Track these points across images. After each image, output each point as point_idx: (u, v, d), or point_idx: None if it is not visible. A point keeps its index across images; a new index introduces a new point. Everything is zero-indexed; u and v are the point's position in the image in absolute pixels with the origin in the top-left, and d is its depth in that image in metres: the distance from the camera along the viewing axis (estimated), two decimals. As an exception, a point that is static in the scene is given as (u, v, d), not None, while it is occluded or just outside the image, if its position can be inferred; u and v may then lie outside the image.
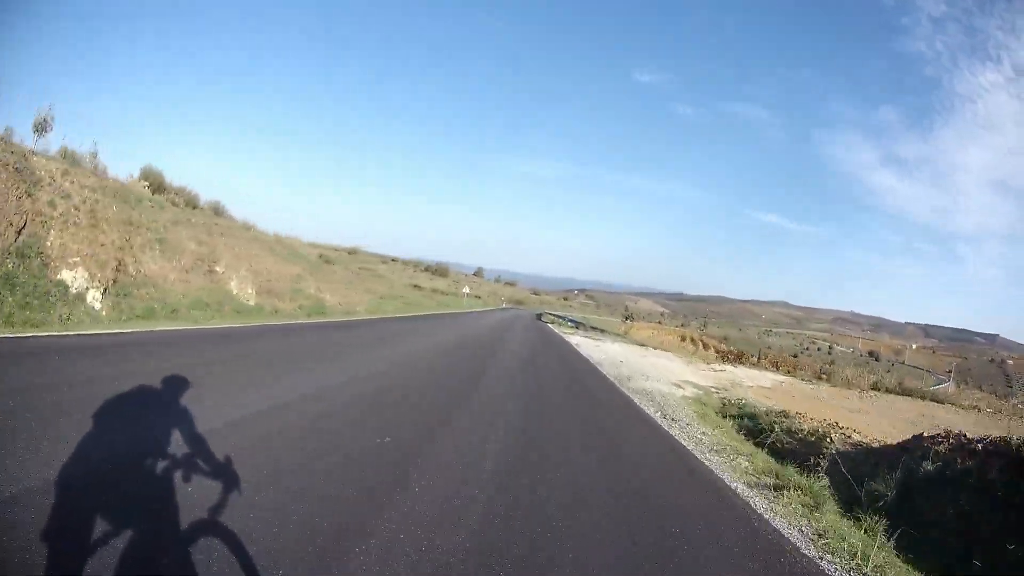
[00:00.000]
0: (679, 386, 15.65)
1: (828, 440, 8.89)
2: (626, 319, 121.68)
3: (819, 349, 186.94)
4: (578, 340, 28.01)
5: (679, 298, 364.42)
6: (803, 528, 5.07)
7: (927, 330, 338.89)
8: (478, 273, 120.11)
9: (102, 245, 11.83)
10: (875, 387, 25.92)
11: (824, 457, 6.86)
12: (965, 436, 6.63)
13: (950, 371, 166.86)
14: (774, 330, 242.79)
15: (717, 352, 30.17)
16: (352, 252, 79.60)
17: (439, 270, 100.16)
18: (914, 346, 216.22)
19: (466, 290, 56.14)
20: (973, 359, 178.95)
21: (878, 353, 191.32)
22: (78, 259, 11.03)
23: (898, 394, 24.99)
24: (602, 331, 36.60)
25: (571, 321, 41.88)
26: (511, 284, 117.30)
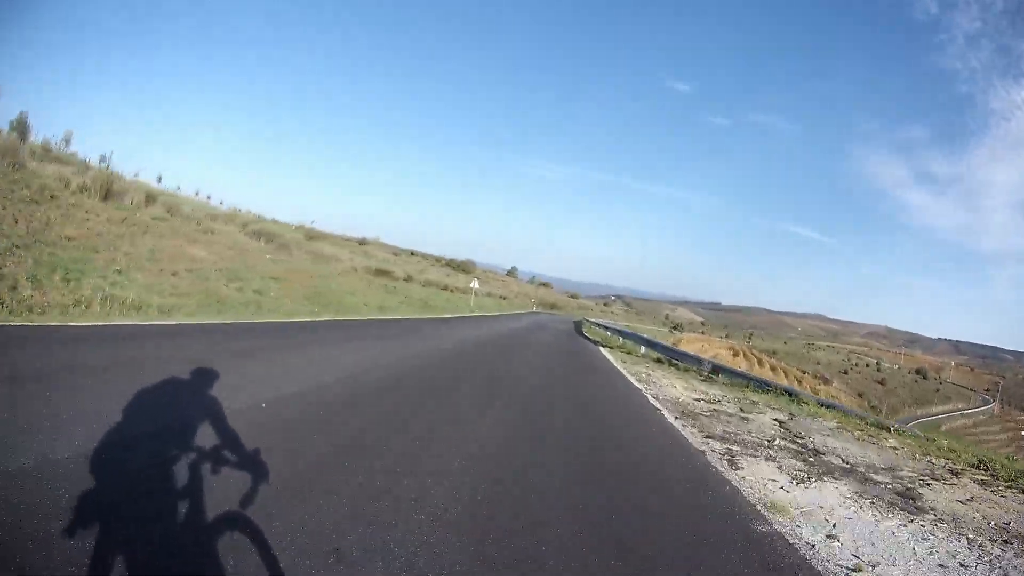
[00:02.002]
0: None
1: None
2: (673, 329, 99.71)
3: (867, 365, 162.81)
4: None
5: (715, 308, 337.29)
6: None
7: (958, 347, 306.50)
8: (511, 273, 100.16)
9: None
10: None
11: None
12: None
13: (987, 389, 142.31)
14: (816, 343, 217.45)
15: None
16: (362, 242, 63.93)
17: (462, 266, 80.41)
18: (953, 363, 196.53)
19: (475, 285, 35.94)
20: (1009, 377, 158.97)
21: (925, 370, 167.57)
22: None
23: None
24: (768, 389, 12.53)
25: (643, 343, 20.52)
26: (545, 285, 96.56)
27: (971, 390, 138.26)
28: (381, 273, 26.91)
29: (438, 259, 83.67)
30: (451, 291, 39.25)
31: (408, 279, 32.19)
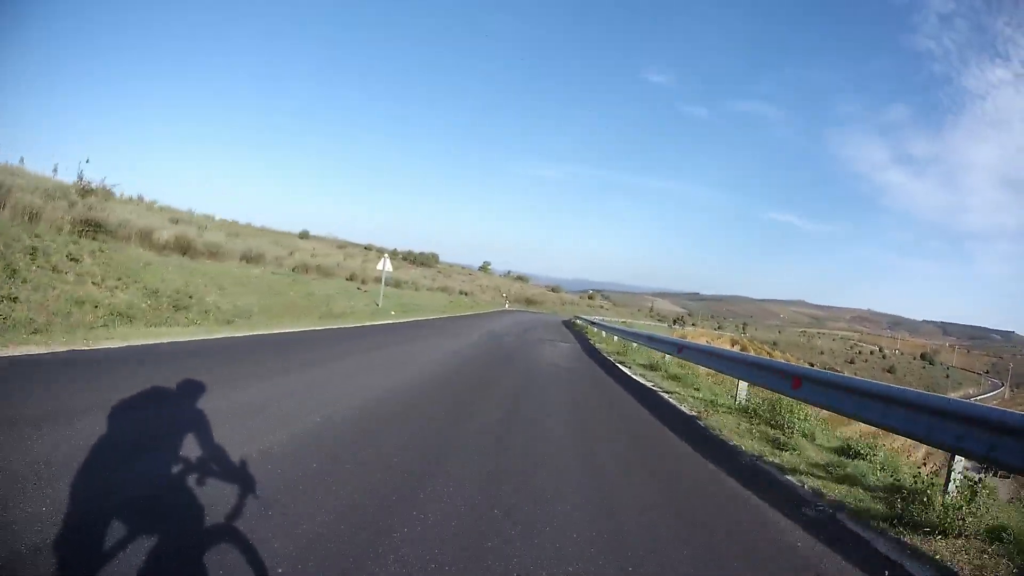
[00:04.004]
0: None
1: None
2: (674, 323, 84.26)
3: (871, 353, 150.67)
4: None
5: (695, 298, 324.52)
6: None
7: (945, 328, 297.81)
8: (484, 268, 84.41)
9: None
10: None
11: None
12: None
13: (987, 371, 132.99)
14: (807, 331, 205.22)
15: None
16: (303, 235, 50.00)
17: (421, 259, 64.48)
18: (949, 346, 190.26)
19: (385, 267, 19.51)
20: (1008, 358, 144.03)
21: (930, 356, 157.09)
22: None
23: None
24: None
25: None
26: (521, 279, 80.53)
27: (977, 373, 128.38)
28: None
29: (394, 252, 67.80)
30: (356, 280, 23.12)
31: (212, 254, 16.05)
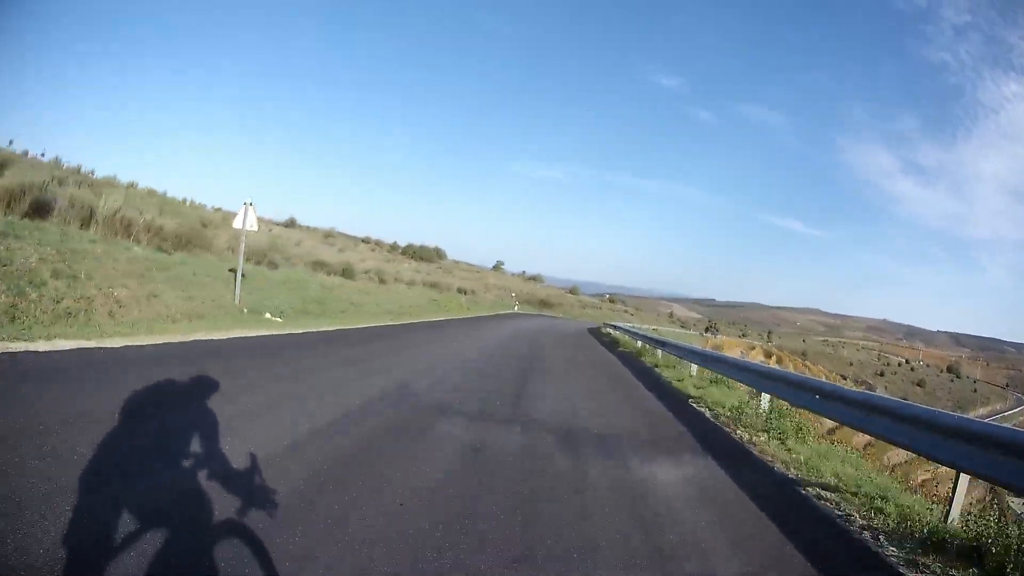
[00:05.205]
0: None
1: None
2: (705, 331, 74.28)
3: (899, 365, 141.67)
4: None
5: (710, 304, 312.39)
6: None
7: (959, 339, 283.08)
8: (497, 267, 75.71)
9: None
10: None
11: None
12: None
13: (1007, 384, 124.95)
14: (830, 340, 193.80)
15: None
16: (289, 224, 42.61)
17: (421, 252, 55.91)
18: (967, 357, 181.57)
19: (244, 224, 9.91)
20: None
21: (957, 369, 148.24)
22: None
23: None
24: None
25: None
26: (535, 279, 71.24)
27: (1000, 387, 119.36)
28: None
29: (393, 246, 59.71)
30: (256, 263, 14.06)
31: None
